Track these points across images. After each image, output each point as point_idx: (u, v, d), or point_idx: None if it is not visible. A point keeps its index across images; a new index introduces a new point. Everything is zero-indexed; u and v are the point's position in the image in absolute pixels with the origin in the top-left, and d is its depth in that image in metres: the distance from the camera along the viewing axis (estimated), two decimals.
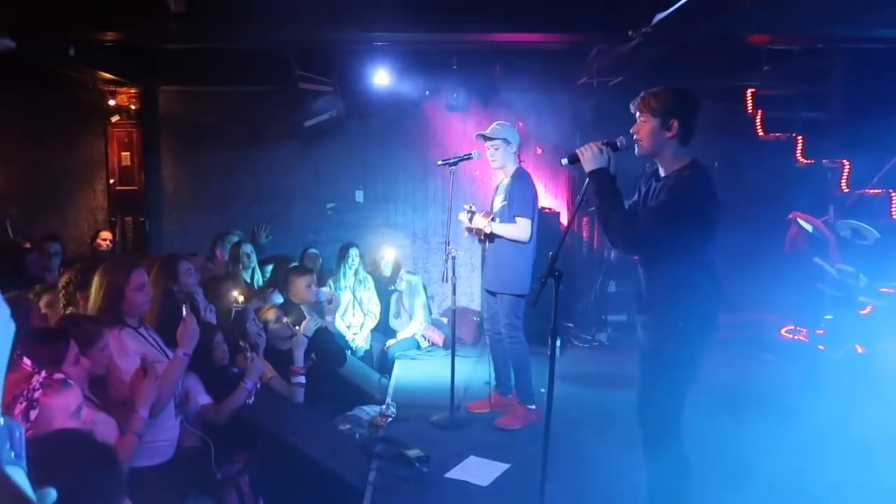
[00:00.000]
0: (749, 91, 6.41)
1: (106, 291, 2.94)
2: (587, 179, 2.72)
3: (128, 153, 7.22)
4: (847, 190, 5.96)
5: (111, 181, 7.26)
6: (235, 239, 5.91)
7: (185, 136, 7.27)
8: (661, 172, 2.70)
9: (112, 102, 7.03)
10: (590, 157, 2.67)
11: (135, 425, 2.66)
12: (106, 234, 6.64)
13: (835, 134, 6.32)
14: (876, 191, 5.75)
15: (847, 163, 5.99)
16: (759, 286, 5.72)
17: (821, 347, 5.39)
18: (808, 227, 5.36)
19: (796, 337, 6.04)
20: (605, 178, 2.66)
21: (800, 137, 6.27)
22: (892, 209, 5.61)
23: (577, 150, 2.71)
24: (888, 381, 4.58)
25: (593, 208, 2.87)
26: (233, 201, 7.25)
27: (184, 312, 2.99)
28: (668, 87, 2.65)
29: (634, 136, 2.69)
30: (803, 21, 4.86)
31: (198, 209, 7.29)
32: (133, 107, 7.14)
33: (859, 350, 4.91)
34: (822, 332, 5.44)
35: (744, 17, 4.20)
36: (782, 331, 6.16)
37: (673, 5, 3.78)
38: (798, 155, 6.26)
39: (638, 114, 2.68)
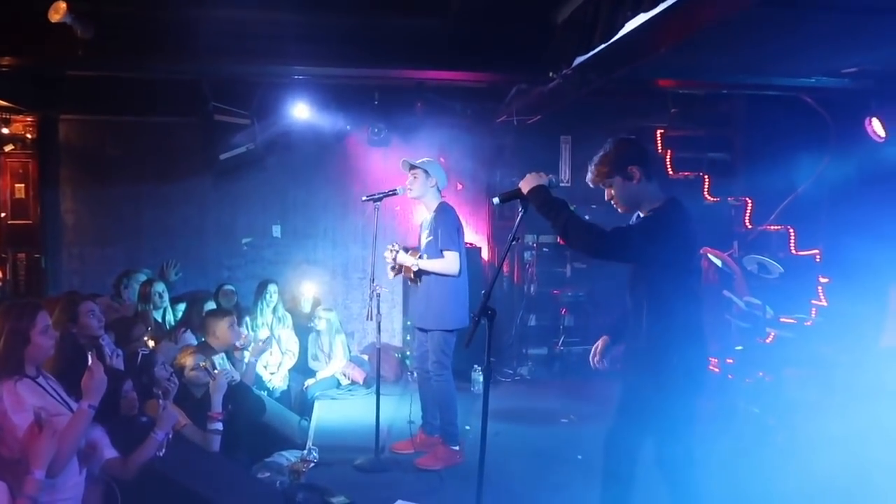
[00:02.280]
0: (659, 132, 6.73)
1: (7, 338, 2.66)
2: (518, 219, 2.73)
3: (22, 185, 6.74)
4: (750, 226, 6.32)
5: (3, 214, 6.74)
6: (143, 277, 5.59)
7: (88, 167, 6.85)
8: (641, 215, 2.79)
9: (5, 131, 6.57)
10: (528, 178, 2.72)
11: (29, 488, 2.40)
12: None
13: (737, 173, 6.73)
14: (776, 227, 6.12)
15: (749, 201, 6.36)
16: None
17: (730, 377, 5.63)
18: (718, 262, 5.63)
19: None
20: (545, 193, 2.68)
21: (706, 176, 6.62)
22: (791, 244, 5.98)
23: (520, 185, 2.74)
24: (793, 408, 4.82)
25: (515, 244, 2.88)
26: (140, 237, 6.88)
27: (89, 360, 2.75)
28: (605, 150, 2.75)
29: (612, 202, 2.78)
30: (708, 68, 5.17)
31: (101, 245, 6.86)
32: (29, 136, 6.70)
33: (766, 378, 5.14)
34: (731, 361, 5.68)
35: (655, 62, 4.40)
36: None
37: (592, 50, 3.92)
38: (705, 193, 6.60)
39: (601, 184, 2.77)
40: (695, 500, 2.76)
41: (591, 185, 2.80)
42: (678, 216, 2.67)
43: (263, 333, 5.71)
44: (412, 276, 4.32)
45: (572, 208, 2.66)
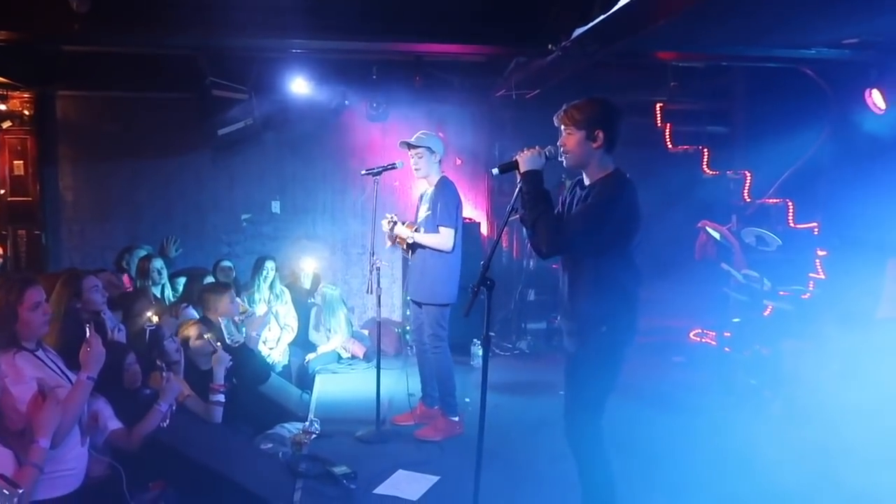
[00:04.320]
0: (658, 105, 6.70)
1: None
2: (517, 190, 2.74)
3: (21, 162, 6.73)
4: (749, 199, 6.32)
5: (2, 192, 6.74)
6: (143, 253, 5.61)
7: (87, 144, 6.84)
8: (586, 181, 2.77)
9: (3, 107, 6.55)
10: (527, 157, 2.73)
11: (34, 456, 2.44)
12: None
13: (737, 147, 6.70)
14: (774, 200, 6.12)
15: (748, 174, 6.35)
16: (670, 292, 5.97)
17: (727, 350, 5.67)
18: (716, 235, 5.64)
19: (704, 340, 6.34)
20: (537, 181, 2.70)
21: (705, 150, 6.60)
22: (790, 217, 5.98)
23: (518, 155, 2.73)
24: (790, 380, 4.87)
25: (516, 217, 2.90)
26: (139, 213, 6.90)
27: (87, 333, 2.77)
28: (591, 98, 2.73)
29: (561, 149, 2.74)
30: (707, 40, 5.13)
31: (100, 221, 6.88)
32: (27, 112, 6.68)
33: (763, 351, 5.19)
34: (729, 334, 5.73)
35: (653, 34, 4.37)
36: (691, 334, 6.45)
37: (592, 21, 3.90)
38: (704, 166, 6.59)
39: (563, 126, 2.75)
40: (599, 477, 2.79)
41: (555, 123, 2.79)
42: (625, 192, 2.67)
43: (261, 309, 5.75)
44: (405, 247, 4.35)
45: (566, 182, 2.67)
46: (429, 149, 4.25)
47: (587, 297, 2.74)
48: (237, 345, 4.19)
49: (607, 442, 2.80)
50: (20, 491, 2.22)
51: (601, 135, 2.68)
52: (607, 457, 2.80)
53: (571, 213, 2.77)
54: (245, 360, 4.21)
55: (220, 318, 4.41)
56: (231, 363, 3.91)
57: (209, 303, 4.56)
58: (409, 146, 4.28)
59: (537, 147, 2.75)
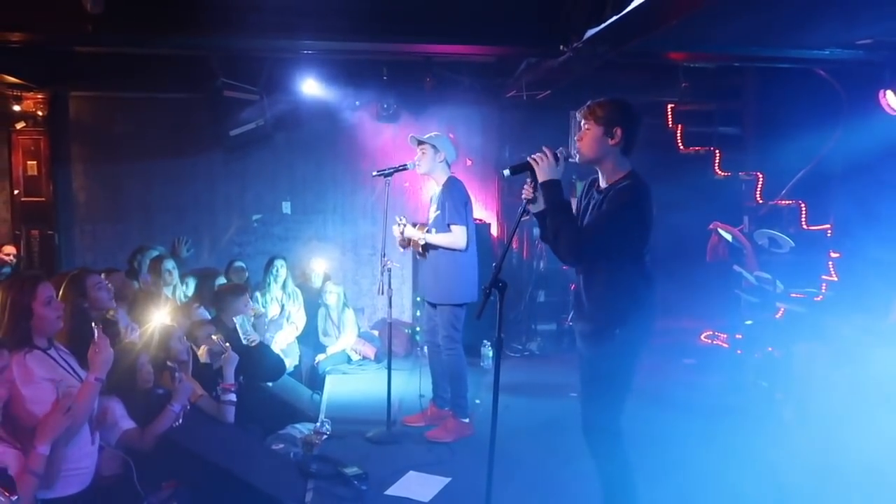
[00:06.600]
0: (669, 106, 6.66)
1: (11, 310, 2.69)
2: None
3: (34, 162, 6.77)
4: (761, 201, 6.28)
5: (16, 192, 6.78)
6: (155, 253, 5.64)
7: (99, 144, 6.88)
8: (602, 183, 2.76)
9: (17, 108, 6.58)
10: (545, 167, 2.70)
11: (33, 463, 2.45)
12: (9, 249, 6.23)
13: (749, 148, 6.66)
14: (787, 202, 6.08)
15: (761, 175, 6.31)
16: (681, 293, 5.94)
17: (738, 352, 5.64)
18: (728, 237, 5.61)
19: (715, 342, 6.31)
20: (557, 191, 2.69)
21: (717, 151, 6.56)
22: (802, 219, 5.94)
23: (530, 158, 2.73)
24: (802, 382, 4.83)
25: (527, 218, 2.89)
26: (152, 214, 6.94)
27: (95, 334, 2.77)
28: (614, 97, 2.73)
29: (577, 143, 2.75)
30: (719, 41, 5.10)
31: (113, 222, 6.92)
32: (40, 113, 6.71)
33: (775, 353, 5.16)
34: (741, 336, 5.70)
35: (666, 34, 4.36)
36: (702, 336, 6.42)
37: (604, 22, 3.88)
38: (716, 168, 6.55)
39: (583, 122, 2.75)
40: (620, 478, 2.78)
41: (576, 117, 2.79)
42: (641, 197, 2.66)
43: (274, 309, 5.77)
44: (420, 249, 4.35)
45: (580, 184, 2.65)
46: (433, 147, 4.27)
47: (601, 300, 2.73)
48: (254, 343, 4.21)
49: (627, 443, 2.79)
50: (14, 498, 2.23)
51: (619, 132, 2.68)
52: (627, 458, 2.78)
53: (589, 221, 2.76)
54: (261, 357, 4.23)
55: (235, 318, 4.42)
56: (238, 362, 3.91)
57: (225, 304, 4.57)
58: (418, 142, 4.32)
59: (550, 151, 2.73)
